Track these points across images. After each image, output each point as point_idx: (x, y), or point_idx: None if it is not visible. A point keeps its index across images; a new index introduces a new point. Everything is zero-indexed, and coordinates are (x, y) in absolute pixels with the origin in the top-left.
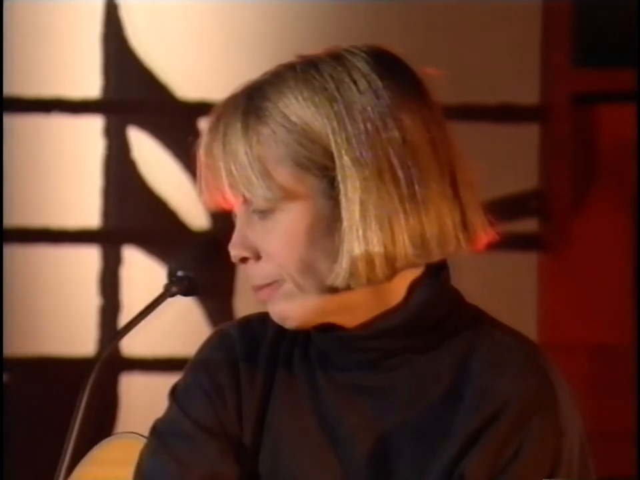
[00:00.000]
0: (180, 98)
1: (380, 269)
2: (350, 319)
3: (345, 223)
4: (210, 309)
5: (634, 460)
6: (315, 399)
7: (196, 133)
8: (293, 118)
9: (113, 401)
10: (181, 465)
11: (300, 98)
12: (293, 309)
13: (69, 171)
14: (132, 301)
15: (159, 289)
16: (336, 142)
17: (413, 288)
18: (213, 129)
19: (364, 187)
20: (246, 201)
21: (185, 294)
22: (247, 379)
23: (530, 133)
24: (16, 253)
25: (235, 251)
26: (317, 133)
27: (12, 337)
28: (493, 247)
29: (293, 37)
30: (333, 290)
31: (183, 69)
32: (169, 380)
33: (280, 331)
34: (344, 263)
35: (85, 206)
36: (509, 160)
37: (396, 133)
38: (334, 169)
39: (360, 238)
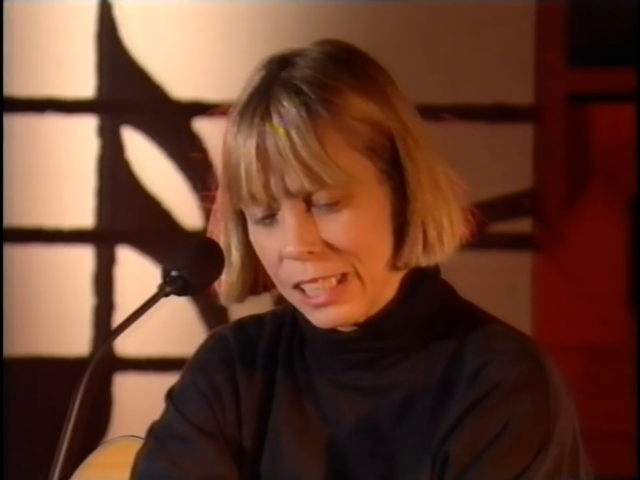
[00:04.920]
0: (174, 98)
1: (447, 245)
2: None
3: (416, 203)
4: (204, 308)
5: (632, 460)
6: (313, 400)
7: (190, 133)
8: (349, 103)
9: (107, 401)
10: (178, 467)
11: (350, 85)
12: (358, 305)
13: (62, 170)
14: (126, 300)
15: (152, 289)
16: (395, 126)
17: (404, 283)
18: (267, 120)
19: (426, 165)
20: (306, 197)
21: (179, 294)
22: (245, 380)
23: (524, 133)
24: (10, 253)
25: (303, 246)
26: (375, 117)
27: (6, 337)
28: (487, 246)
29: (287, 37)
30: (387, 277)
31: (176, 69)
32: (163, 379)
33: (276, 332)
34: (420, 242)
35: (78, 206)
36: (503, 160)
37: (417, 115)
38: (393, 151)
39: (432, 214)
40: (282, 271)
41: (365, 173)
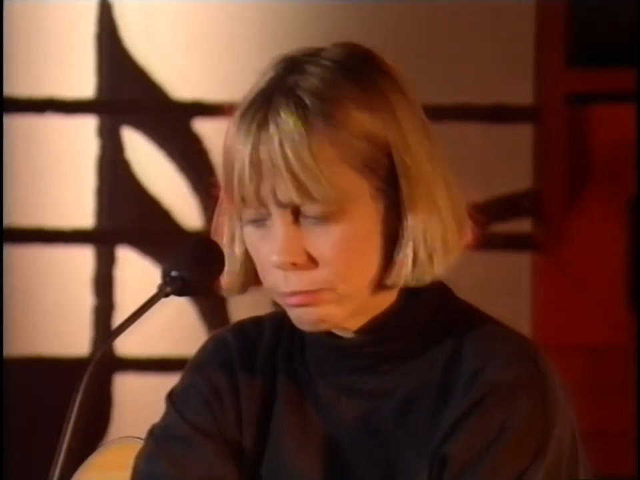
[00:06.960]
0: (174, 98)
1: (437, 267)
2: (353, 323)
3: (408, 222)
4: (204, 309)
5: (632, 460)
6: (314, 402)
7: (190, 133)
8: (350, 119)
9: (107, 401)
10: (179, 469)
11: (355, 99)
12: (334, 313)
13: (62, 171)
14: (126, 301)
15: (152, 289)
16: (395, 142)
17: (402, 288)
18: (264, 129)
19: (424, 184)
20: (295, 209)
21: (179, 294)
22: (246, 382)
23: (524, 133)
24: (10, 253)
25: (287, 257)
26: (375, 133)
27: (6, 337)
28: (487, 246)
29: (288, 37)
30: (375, 292)
31: (176, 69)
32: (163, 380)
33: (276, 334)
34: (409, 262)
35: (78, 206)
36: (502, 160)
37: (424, 130)
38: (390, 168)
39: (424, 235)
40: (269, 278)
41: (357, 190)
